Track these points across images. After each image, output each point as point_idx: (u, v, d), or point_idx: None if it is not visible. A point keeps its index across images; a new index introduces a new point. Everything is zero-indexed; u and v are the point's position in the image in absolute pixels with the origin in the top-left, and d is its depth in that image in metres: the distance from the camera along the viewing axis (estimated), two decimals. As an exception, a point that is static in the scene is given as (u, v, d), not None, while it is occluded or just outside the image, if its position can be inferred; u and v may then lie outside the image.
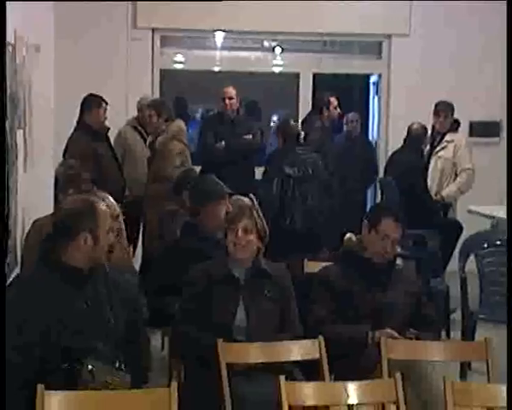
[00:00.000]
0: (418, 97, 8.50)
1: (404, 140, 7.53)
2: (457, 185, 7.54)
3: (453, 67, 8.80)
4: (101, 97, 6.89)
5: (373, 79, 9.72)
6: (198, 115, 11.11)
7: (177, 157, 6.77)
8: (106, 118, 6.93)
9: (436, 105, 7.68)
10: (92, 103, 6.84)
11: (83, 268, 3.41)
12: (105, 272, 3.50)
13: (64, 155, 6.61)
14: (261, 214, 4.12)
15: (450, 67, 8.79)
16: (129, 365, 3.41)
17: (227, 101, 7.34)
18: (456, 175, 7.55)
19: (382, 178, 7.29)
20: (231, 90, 7.36)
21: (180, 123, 7.05)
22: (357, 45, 9.34)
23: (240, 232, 4.02)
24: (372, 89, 9.88)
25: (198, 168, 7.03)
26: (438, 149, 7.58)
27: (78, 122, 6.91)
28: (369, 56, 9.40)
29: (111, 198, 4.51)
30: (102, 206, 3.51)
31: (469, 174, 7.51)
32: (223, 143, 7.20)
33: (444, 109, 7.61)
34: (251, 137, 7.26)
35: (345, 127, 9.09)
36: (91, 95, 6.91)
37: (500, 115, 9.14)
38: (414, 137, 7.41)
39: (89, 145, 6.72)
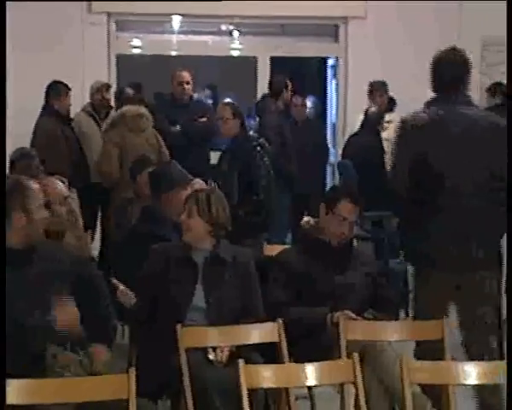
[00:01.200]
0: (375, 79, 8.53)
1: (362, 123, 7.58)
2: None
3: (410, 48, 8.84)
4: (66, 84, 6.92)
5: (330, 62, 9.75)
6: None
7: (115, 147, 6.65)
8: (70, 104, 6.95)
9: (370, 85, 7.72)
10: (60, 90, 6.93)
11: (20, 248, 3.47)
12: (46, 248, 3.56)
13: (32, 140, 6.63)
14: (220, 200, 4.11)
15: (407, 48, 8.83)
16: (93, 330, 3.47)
17: (184, 85, 7.30)
18: None
19: (340, 160, 7.32)
20: (186, 74, 7.31)
21: (126, 109, 6.97)
22: (314, 29, 9.34)
23: (183, 216, 4.05)
24: (330, 72, 9.91)
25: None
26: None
27: (44, 108, 6.92)
28: (327, 40, 9.40)
29: (58, 181, 4.47)
30: (32, 183, 3.58)
31: None
32: (178, 126, 7.16)
33: (378, 89, 7.65)
34: (206, 120, 7.22)
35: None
36: (57, 81, 6.93)
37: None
38: (371, 120, 7.46)
39: (57, 129, 6.80)
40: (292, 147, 7.40)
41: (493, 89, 7.86)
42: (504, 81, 7.78)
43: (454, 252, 4.05)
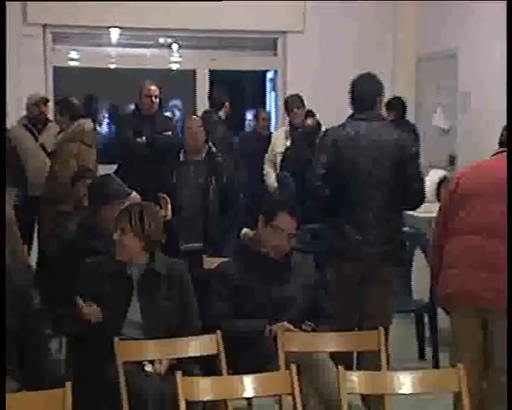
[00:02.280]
0: (314, 92, 8.62)
1: (298, 135, 7.62)
2: None
3: (349, 60, 8.95)
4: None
5: (269, 75, 9.81)
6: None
7: (73, 159, 6.65)
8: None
9: (285, 100, 7.80)
10: None
11: None
12: None
13: None
14: (153, 214, 4.08)
15: (345, 60, 8.94)
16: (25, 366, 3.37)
17: (152, 98, 7.25)
18: None
19: (279, 172, 7.35)
20: (155, 88, 7.27)
21: (84, 123, 6.93)
22: (253, 42, 9.40)
23: (116, 234, 4.01)
24: (269, 85, 9.97)
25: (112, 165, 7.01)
26: None
27: None
28: (265, 53, 9.48)
29: None
30: None
31: None
32: (143, 138, 7.12)
33: (293, 102, 7.73)
34: (170, 133, 7.22)
35: (253, 125, 9.12)
36: None
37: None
38: (307, 132, 7.50)
39: None
40: (240, 157, 7.52)
41: (389, 105, 8.05)
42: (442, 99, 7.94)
43: (360, 244, 4.66)
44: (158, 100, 7.27)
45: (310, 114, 7.81)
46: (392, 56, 9.28)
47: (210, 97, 8.22)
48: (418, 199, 4.81)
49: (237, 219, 6.21)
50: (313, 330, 4.18)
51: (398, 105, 8.17)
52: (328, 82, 8.66)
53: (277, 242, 4.34)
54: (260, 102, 10.08)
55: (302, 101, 7.82)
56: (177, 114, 10.29)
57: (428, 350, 5.89)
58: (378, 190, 4.68)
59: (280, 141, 7.70)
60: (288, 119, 7.96)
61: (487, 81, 7.96)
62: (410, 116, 9.33)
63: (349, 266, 4.75)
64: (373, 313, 4.73)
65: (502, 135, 4.23)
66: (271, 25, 8.94)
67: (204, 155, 6.04)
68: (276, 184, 7.25)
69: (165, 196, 5.20)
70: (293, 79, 9.06)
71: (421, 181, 4.79)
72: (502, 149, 4.17)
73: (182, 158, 6.09)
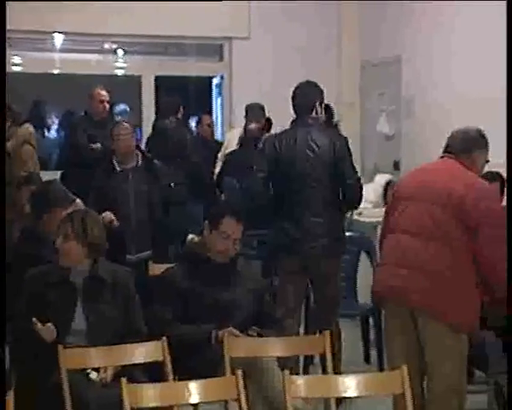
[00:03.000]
0: (260, 98, 8.64)
1: (241, 140, 7.59)
2: None
3: (295, 66, 9.00)
4: None
5: (216, 80, 9.81)
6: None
7: (29, 161, 6.62)
8: None
9: (246, 109, 7.78)
10: None
11: None
12: None
13: None
14: (95, 221, 4.06)
15: (291, 66, 8.99)
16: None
17: (105, 103, 7.17)
18: None
19: (224, 178, 7.32)
20: (106, 93, 7.20)
21: (29, 126, 6.87)
22: (199, 48, 9.39)
23: (59, 240, 3.99)
24: (215, 91, 9.97)
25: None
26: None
27: None
28: (211, 59, 9.49)
29: None
30: None
31: None
32: (98, 144, 7.04)
33: (252, 111, 7.70)
34: None
35: (195, 131, 9.08)
36: None
37: (337, 116, 9.42)
38: (250, 137, 7.50)
39: None
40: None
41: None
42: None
43: (301, 240, 4.99)
44: (108, 105, 7.22)
45: (268, 124, 7.82)
46: (337, 63, 9.35)
47: (164, 102, 8.18)
48: (353, 195, 5.14)
49: (183, 224, 6.19)
50: (259, 335, 4.19)
51: (326, 111, 8.21)
52: (274, 87, 8.69)
53: (223, 246, 4.35)
54: (207, 108, 10.07)
55: (263, 110, 7.78)
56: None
57: (374, 353, 5.94)
58: (315, 189, 5.02)
59: (234, 142, 7.65)
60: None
61: (431, 87, 8.08)
62: (355, 122, 9.44)
63: (293, 261, 5.05)
64: (321, 304, 5.16)
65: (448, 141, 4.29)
66: (217, 31, 8.94)
67: (140, 161, 5.93)
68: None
69: None
70: (239, 85, 9.08)
71: (356, 179, 5.12)
72: (443, 155, 4.25)
73: (117, 168, 5.92)
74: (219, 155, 7.86)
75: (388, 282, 4.10)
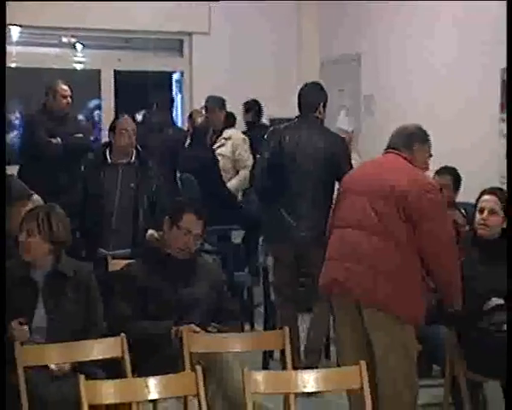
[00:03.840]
0: (220, 93, 8.63)
1: (191, 135, 7.56)
2: (237, 182, 7.60)
3: (254, 62, 9.02)
4: None
5: (176, 76, 9.77)
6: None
7: None
8: None
9: (206, 101, 7.76)
10: None
11: None
12: None
13: None
14: (60, 217, 4.03)
15: (250, 62, 9.01)
16: None
17: (68, 99, 7.08)
18: (238, 172, 7.62)
19: (182, 174, 7.28)
20: (66, 88, 7.10)
21: None
22: (159, 43, 9.35)
23: (22, 236, 3.96)
24: (175, 86, 9.92)
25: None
26: (216, 145, 7.58)
27: None
28: (171, 54, 9.45)
29: None
30: None
31: (248, 171, 7.43)
32: (58, 139, 6.95)
33: (211, 104, 7.69)
34: (82, 136, 7.08)
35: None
36: None
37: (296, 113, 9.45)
38: (199, 132, 7.48)
39: None
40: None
41: (247, 106, 8.30)
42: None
43: (295, 229, 5.37)
44: (70, 100, 7.14)
45: (199, 113, 7.80)
46: (297, 59, 9.38)
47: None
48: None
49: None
50: (219, 331, 4.19)
51: (254, 107, 8.35)
52: (234, 83, 8.70)
53: (184, 243, 4.34)
54: (167, 104, 10.00)
55: (223, 104, 7.75)
56: (96, 114, 10.07)
57: (334, 350, 5.96)
58: (312, 184, 5.40)
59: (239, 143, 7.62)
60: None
61: (390, 84, 8.15)
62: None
63: (285, 248, 5.46)
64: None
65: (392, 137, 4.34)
66: (177, 26, 8.91)
67: (134, 158, 5.76)
68: None
69: None
70: (200, 81, 9.07)
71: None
72: (386, 150, 4.31)
73: (109, 160, 5.77)
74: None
75: (333, 275, 4.14)
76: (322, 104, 5.54)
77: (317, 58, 9.36)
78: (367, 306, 4.04)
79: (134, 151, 5.66)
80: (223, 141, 7.61)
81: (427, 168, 4.32)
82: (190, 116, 8.12)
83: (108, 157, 5.60)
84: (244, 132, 8.10)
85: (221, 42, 8.98)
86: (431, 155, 4.35)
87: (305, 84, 5.68)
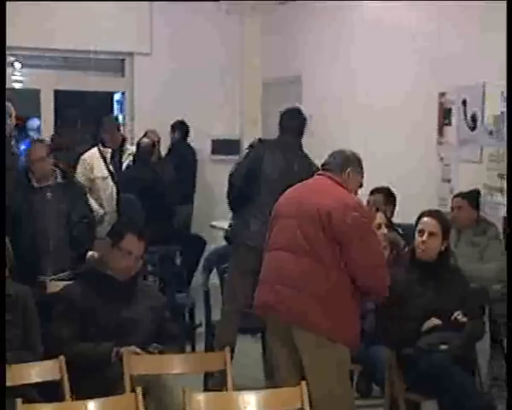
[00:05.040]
0: (162, 114, 8.64)
1: (134, 156, 7.53)
2: None
3: (197, 84, 9.04)
4: None
5: (117, 96, 9.73)
6: None
7: None
8: None
9: (102, 121, 7.74)
10: None
11: None
12: None
13: None
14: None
15: (192, 84, 9.02)
16: None
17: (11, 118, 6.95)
18: None
19: (124, 195, 7.22)
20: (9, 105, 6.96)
21: None
22: (100, 63, 9.30)
23: None
24: (116, 107, 9.88)
25: None
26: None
27: None
28: (113, 74, 9.41)
29: None
30: None
31: None
32: None
33: (108, 124, 7.67)
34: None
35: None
36: None
37: (239, 133, 9.52)
38: (143, 152, 7.46)
39: None
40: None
41: (174, 126, 8.54)
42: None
43: (260, 234, 5.12)
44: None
45: (154, 133, 7.82)
46: (240, 80, 9.44)
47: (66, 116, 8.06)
48: None
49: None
50: (160, 353, 4.16)
51: (181, 128, 8.50)
52: (176, 103, 8.71)
53: (125, 264, 4.30)
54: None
55: (118, 124, 7.77)
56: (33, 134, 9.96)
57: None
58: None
59: (100, 164, 7.35)
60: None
61: (328, 105, 8.23)
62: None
63: (250, 253, 5.43)
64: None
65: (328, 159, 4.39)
66: (118, 46, 8.89)
67: (59, 178, 5.67)
68: (102, 211, 7.03)
69: None
70: (141, 101, 9.05)
71: None
72: (318, 172, 4.38)
73: (34, 184, 5.65)
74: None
75: (265, 298, 4.18)
76: (301, 128, 5.85)
77: (259, 79, 9.43)
78: (298, 327, 4.05)
79: (57, 171, 5.58)
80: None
81: (356, 194, 4.36)
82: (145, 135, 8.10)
83: (33, 181, 5.51)
84: (169, 150, 8.39)
85: (163, 62, 8.98)
86: (361, 185, 4.39)
87: (287, 109, 5.95)
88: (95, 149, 7.34)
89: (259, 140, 6.02)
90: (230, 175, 5.77)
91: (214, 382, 4.72)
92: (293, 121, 5.85)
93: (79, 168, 7.21)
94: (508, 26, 4.50)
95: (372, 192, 6.00)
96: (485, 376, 4.66)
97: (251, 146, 5.90)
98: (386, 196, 6.04)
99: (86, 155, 7.29)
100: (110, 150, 7.34)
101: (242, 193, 5.70)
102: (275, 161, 5.68)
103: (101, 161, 7.25)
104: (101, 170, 7.21)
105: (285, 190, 5.15)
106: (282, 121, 5.86)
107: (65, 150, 7.47)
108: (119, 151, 7.54)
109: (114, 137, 7.53)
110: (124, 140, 7.78)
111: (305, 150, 8.02)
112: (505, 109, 5.93)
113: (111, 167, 7.27)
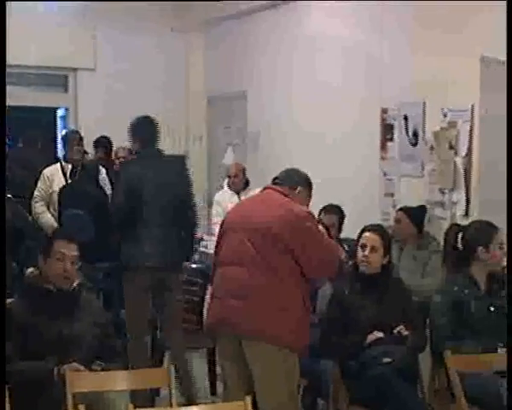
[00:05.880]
0: (106, 130, 8.58)
1: (79, 171, 7.45)
2: None
3: (139, 99, 9.01)
4: None
5: (60, 112, 9.65)
6: None
7: None
8: None
9: (64, 135, 7.72)
10: None
11: None
12: None
13: None
14: None
15: (135, 99, 8.99)
16: None
17: None
18: None
19: (68, 210, 7.14)
20: None
21: None
22: (44, 78, 9.22)
23: None
24: (60, 122, 9.80)
25: None
26: None
27: None
28: (55, 90, 9.34)
29: None
30: None
31: None
32: None
33: (72, 139, 7.61)
34: None
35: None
36: None
37: (185, 149, 9.52)
38: (88, 168, 7.40)
39: None
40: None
41: (97, 143, 8.38)
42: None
43: (150, 256, 5.41)
44: None
45: (124, 150, 7.78)
46: (185, 96, 9.45)
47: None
48: (195, 219, 5.69)
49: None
50: (103, 370, 4.13)
51: (105, 143, 8.42)
52: (120, 119, 8.65)
53: (60, 268, 4.24)
54: (51, 140, 9.87)
55: (81, 137, 7.71)
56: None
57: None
58: (163, 214, 5.46)
59: (59, 179, 7.29)
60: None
61: (273, 121, 8.28)
62: (203, 155, 9.55)
63: (141, 275, 5.41)
64: (166, 318, 5.61)
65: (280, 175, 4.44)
66: (61, 61, 8.82)
67: None
68: (55, 224, 6.97)
69: None
70: (84, 117, 8.99)
71: (194, 204, 5.70)
72: (265, 186, 4.43)
73: None
74: (40, 191, 7.37)
75: (218, 314, 4.20)
76: (157, 135, 5.65)
77: (204, 95, 9.46)
78: (251, 340, 4.07)
79: None
80: None
81: None
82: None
83: None
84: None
85: (107, 77, 8.94)
86: (307, 205, 4.43)
87: (137, 119, 5.70)
88: (57, 165, 7.31)
89: (122, 164, 6.02)
90: (111, 200, 5.74)
91: (143, 398, 4.69)
92: (149, 130, 5.65)
93: (39, 183, 7.21)
94: (508, 26, 4.52)
95: (325, 211, 6.03)
96: (428, 387, 4.71)
97: (121, 170, 5.82)
98: (338, 217, 6.06)
99: (47, 170, 7.26)
100: (70, 165, 7.29)
101: (126, 215, 5.48)
102: (148, 175, 5.48)
103: (62, 175, 7.21)
104: (60, 184, 7.17)
105: (167, 202, 5.46)
106: (136, 132, 5.62)
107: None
108: (80, 166, 7.48)
109: (76, 151, 7.47)
110: (85, 154, 7.71)
111: (251, 166, 8.13)
112: (445, 125, 6.04)
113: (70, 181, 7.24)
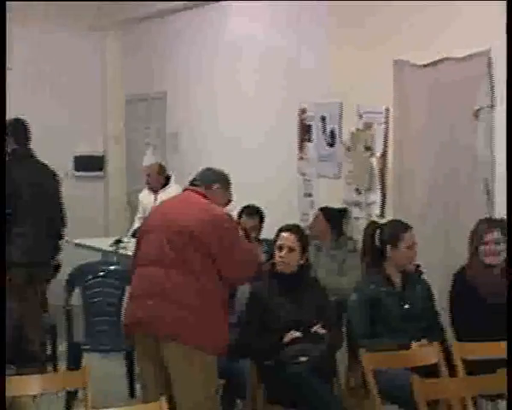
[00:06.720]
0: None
1: None
2: None
3: (55, 100, 8.92)
4: None
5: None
6: None
7: None
8: None
9: None
10: None
11: None
12: None
13: None
14: None
15: (52, 100, 8.90)
16: None
17: None
18: None
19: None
20: None
21: None
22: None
23: None
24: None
25: None
26: None
27: None
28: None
29: None
30: None
31: None
32: None
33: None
34: None
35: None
36: None
37: (104, 149, 9.44)
38: None
39: None
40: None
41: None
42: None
43: (28, 252, 5.76)
44: None
45: None
46: (102, 96, 9.37)
47: None
48: (63, 222, 6.10)
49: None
50: (18, 374, 4.07)
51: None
52: (35, 120, 8.50)
53: None
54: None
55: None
56: None
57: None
58: (33, 212, 5.79)
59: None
60: None
61: (193, 123, 8.28)
62: (121, 155, 9.48)
63: (16, 271, 5.59)
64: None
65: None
66: None
67: None
68: None
69: None
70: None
71: (58, 207, 6.04)
72: (185, 187, 4.47)
73: None
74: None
75: (136, 314, 4.18)
76: (27, 135, 5.98)
77: (122, 95, 9.39)
78: (169, 340, 4.07)
79: None
80: None
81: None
82: None
83: None
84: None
85: (24, 77, 8.79)
86: (230, 201, 4.48)
87: (9, 120, 5.95)
88: None
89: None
90: None
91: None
92: (19, 130, 5.96)
93: None
94: (508, 26, 4.54)
95: (246, 214, 6.03)
96: (344, 384, 4.78)
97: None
98: (259, 218, 6.08)
99: None
100: None
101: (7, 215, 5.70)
102: (19, 174, 5.78)
103: None
104: None
105: (37, 200, 5.81)
106: (10, 133, 5.90)
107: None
108: None
109: None
110: None
111: (171, 167, 8.11)
112: (361, 126, 6.13)
113: None
